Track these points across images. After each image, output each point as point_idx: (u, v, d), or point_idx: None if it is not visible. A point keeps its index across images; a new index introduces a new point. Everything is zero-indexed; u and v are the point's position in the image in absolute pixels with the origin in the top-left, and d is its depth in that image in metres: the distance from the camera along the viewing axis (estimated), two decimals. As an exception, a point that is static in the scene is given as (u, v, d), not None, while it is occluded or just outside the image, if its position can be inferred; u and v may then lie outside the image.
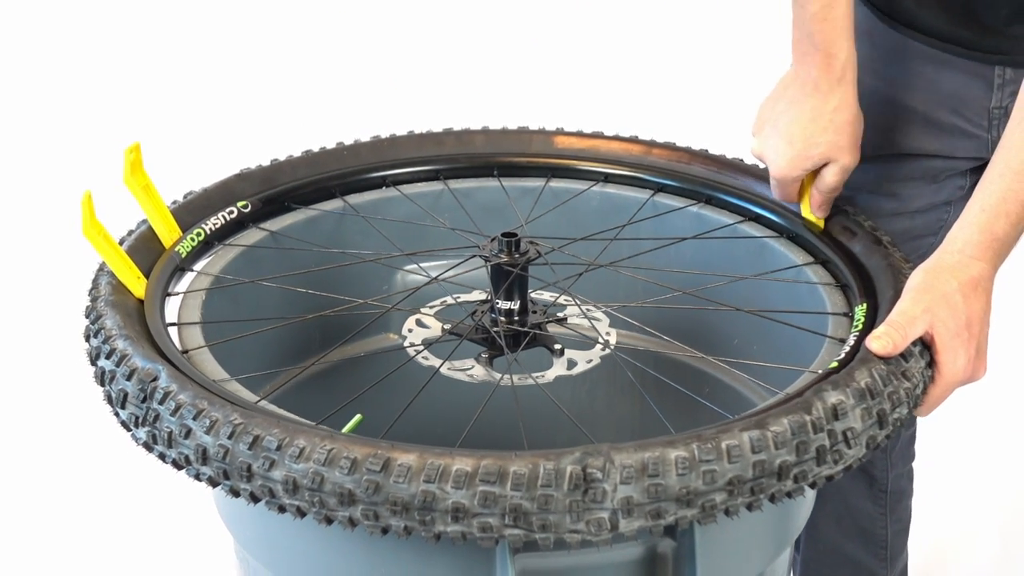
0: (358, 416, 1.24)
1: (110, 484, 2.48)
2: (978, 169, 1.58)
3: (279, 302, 1.52)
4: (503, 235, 1.42)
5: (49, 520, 2.43)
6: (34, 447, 2.59)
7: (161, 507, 2.40)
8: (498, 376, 1.38)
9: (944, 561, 2.24)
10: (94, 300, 1.35)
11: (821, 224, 1.51)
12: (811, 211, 1.51)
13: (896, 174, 1.60)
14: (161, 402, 1.19)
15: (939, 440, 2.22)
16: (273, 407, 1.22)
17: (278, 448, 1.12)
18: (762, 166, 1.53)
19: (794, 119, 1.45)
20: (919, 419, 1.74)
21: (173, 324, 1.37)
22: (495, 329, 1.41)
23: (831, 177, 1.47)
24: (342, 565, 1.25)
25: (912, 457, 1.87)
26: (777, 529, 1.36)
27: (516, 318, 1.42)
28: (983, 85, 1.52)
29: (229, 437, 1.14)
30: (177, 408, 1.17)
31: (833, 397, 1.18)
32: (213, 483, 1.16)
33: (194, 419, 1.16)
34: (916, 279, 1.30)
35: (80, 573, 2.32)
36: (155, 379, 1.21)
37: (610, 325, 1.48)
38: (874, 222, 1.51)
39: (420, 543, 1.12)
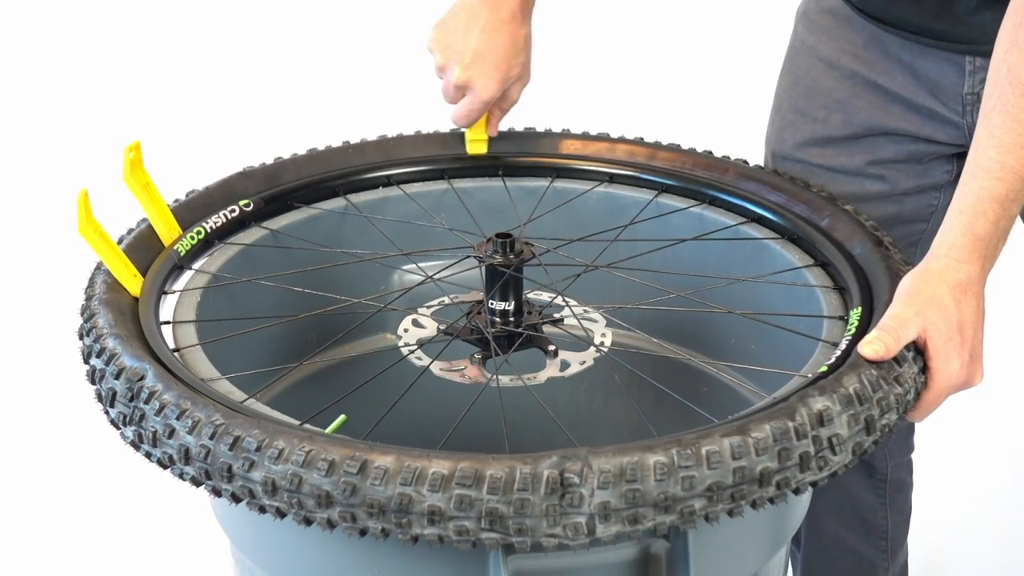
0: (342, 417, 1.24)
1: (108, 485, 2.49)
2: (964, 155, 1.59)
3: (276, 301, 1.53)
4: (497, 235, 1.42)
5: (47, 520, 2.45)
6: (33, 447, 2.62)
7: (158, 509, 2.41)
8: (490, 377, 1.38)
9: (944, 560, 2.22)
10: (89, 299, 1.36)
11: (486, 150, 1.68)
12: (487, 131, 1.67)
13: (881, 156, 1.63)
14: (147, 401, 1.20)
15: (941, 438, 2.21)
16: (260, 406, 1.23)
17: (257, 449, 1.12)
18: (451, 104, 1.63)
19: (498, 45, 1.59)
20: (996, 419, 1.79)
21: (167, 323, 1.38)
22: (489, 330, 1.41)
23: (516, 93, 1.65)
24: (337, 567, 1.26)
25: (911, 449, 1.87)
26: (772, 529, 1.36)
27: (511, 319, 1.42)
28: (957, 71, 1.55)
29: (211, 437, 1.14)
30: (161, 408, 1.18)
31: (819, 403, 1.17)
32: (196, 483, 1.17)
33: (177, 419, 1.17)
34: (906, 283, 1.30)
35: (78, 574, 2.34)
36: (142, 378, 1.22)
37: (606, 326, 1.47)
38: (870, 216, 1.52)
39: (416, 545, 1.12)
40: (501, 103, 1.65)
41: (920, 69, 1.57)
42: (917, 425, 1.86)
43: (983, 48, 1.49)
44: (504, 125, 1.73)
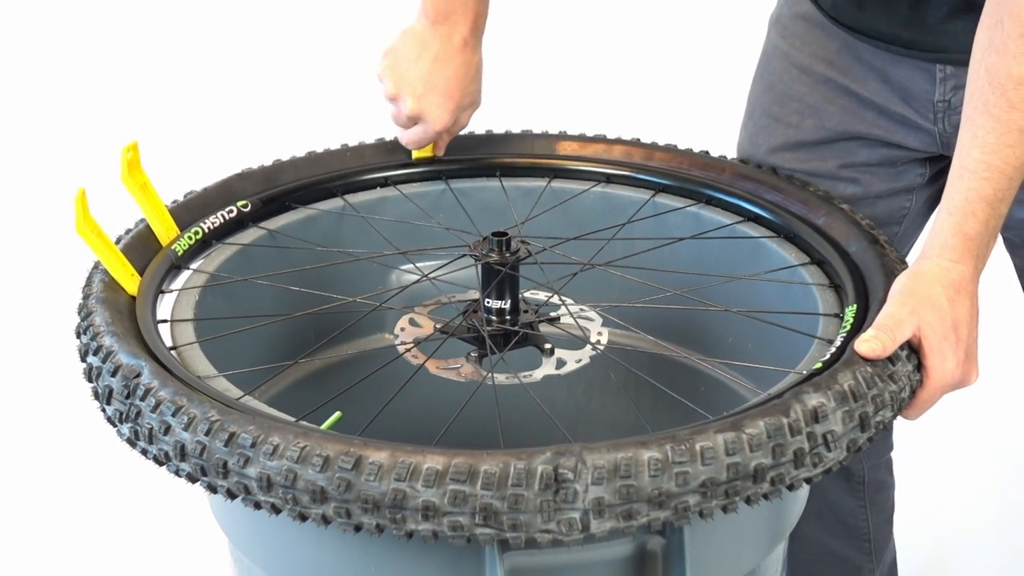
0: (337, 413, 1.25)
1: (106, 483, 2.49)
2: (937, 158, 1.60)
3: (274, 301, 1.53)
4: (493, 234, 1.42)
5: (45, 518, 2.45)
6: (31, 445, 2.62)
7: (156, 507, 2.41)
8: (486, 375, 1.38)
9: (938, 559, 2.22)
10: (86, 297, 1.37)
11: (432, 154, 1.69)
12: (434, 152, 1.68)
13: (854, 160, 1.63)
14: (143, 398, 1.20)
15: (933, 436, 2.21)
16: (256, 403, 1.23)
17: (252, 445, 1.12)
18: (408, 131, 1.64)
19: (450, 75, 1.60)
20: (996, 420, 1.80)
21: (164, 321, 1.38)
22: (486, 329, 1.41)
23: (466, 119, 1.66)
24: (334, 564, 1.26)
25: (890, 448, 1.87)
26: (769, 526, 1.36)
27: (507, 317, 1.43)
28: (928, 78, 1.55)
29: (206, 434, 1.15)
30: (157, 404, 1.18)
31: (814, 400, 1.17)
32: (192, 479, 1.17)
33: (173, 416, 1.17)
34: (900, 283, 1.30)
35: (77, 573, 2.34)
36: (138, 375, 1.22)
37: (603, 325, 1.48)
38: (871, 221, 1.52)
39: (411, 541, 1.13)
40: (451, 128, 1.65)
41: (892, 76, 1.57)
42: (902, 424, 1.86)
43: (954, 57, 1.50)
44: (501, 127, 1.74)
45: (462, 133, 1.71)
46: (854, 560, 1.87)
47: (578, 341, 1.44)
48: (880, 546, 1.88)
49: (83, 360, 1.31)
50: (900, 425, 1.85)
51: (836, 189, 1.62)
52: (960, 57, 1.37)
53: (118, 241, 1.46)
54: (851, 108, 1.61)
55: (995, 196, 1.30)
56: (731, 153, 1.69)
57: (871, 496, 1.84)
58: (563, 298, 1.47)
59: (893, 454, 1.90)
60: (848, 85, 1.60)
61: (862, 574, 1.89)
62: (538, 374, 1.40)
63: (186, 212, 1.53)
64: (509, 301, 1.42)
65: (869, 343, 1.25)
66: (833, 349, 1.28)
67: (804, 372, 1.26)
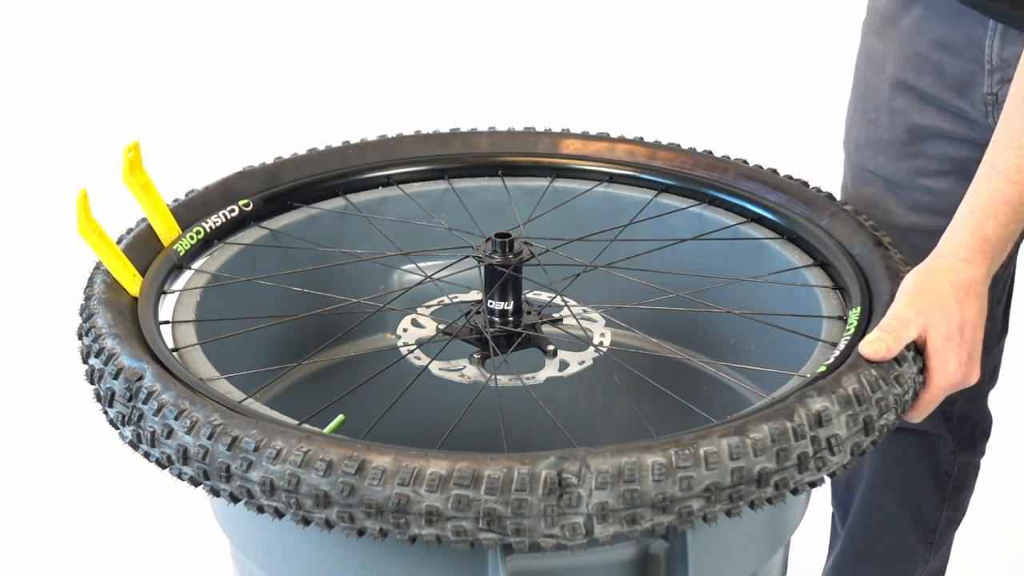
0: (340, 417, 1.24)
1: (108, 485, 2.49)
2: None
3: (276, 301, 1.53)
4: (496, 235, 1.42)
5: (47, 520, 2.44)
6: (33, 447, 2.61)
7: (158, 509, 2.41)
8: (489, 376, 1.38)
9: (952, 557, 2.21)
10: (88, 298, 1.36)
11: None
12: None
13: (927, 165, 1.61)
14: (145, 401, 1.20)
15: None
16: (259, 406, 1.23)
17: (255, 449, 1.12)
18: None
19: None
20: (994, 419, 1.82)
21: (166, 322, 1.38)
22: (489, 330, 1.41)
23: None
24: (337, 568, 1.26)
25: (982, 453, 1.86)
26: (771, 530, 1.36)
27: (510, 319, 1.42)
28: (979, 71, 1.53)
29: (209, 438, 1.14)
30: (160, 408, 1.18)
31: (818, 404, 1.17)
32: (195, 483, 1.17)
33: (176, 419, 1.17)
34: (909, 282, 1.30)
35: (79, 573, 2.34)
36: (140, 378, 1.22)
37: (605, 326, 1.47)
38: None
39: (414, 545, 1.12)
40: None
41: (947, 69, 1.55)
42: (992, 426, 1.86)
43: (1000, 11, 1.47)
44: (504, 125, 1.74)
45: (464, 129, 1.71)
46: (912, 543, 1.85)
47: (581, 343, 1.44)
48: (941, 541, 1.86)
49: (85, 362, 1.30)
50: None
51: (913, 197, 1.61)
52: (1008, 13, 1.34)
53: (119, 241, 1.45)
54: (914, 104, 1.59)
55: (1020, 200, 1.29)
56: (735, 153, 1.68)
57: (952, 491, 1.83)
58: (566, 299, 1.47)
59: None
60: (907, 80, 1.59)
61: (915, 561, 1.87)
62: (541, 376, 1.40)
63: (187, 211, 1.53)
64: (512, 302, 1.42)
65: (873, 344, 1.24)
66: (837, 352, 1.28)
67: (808, 375, 1.26)
